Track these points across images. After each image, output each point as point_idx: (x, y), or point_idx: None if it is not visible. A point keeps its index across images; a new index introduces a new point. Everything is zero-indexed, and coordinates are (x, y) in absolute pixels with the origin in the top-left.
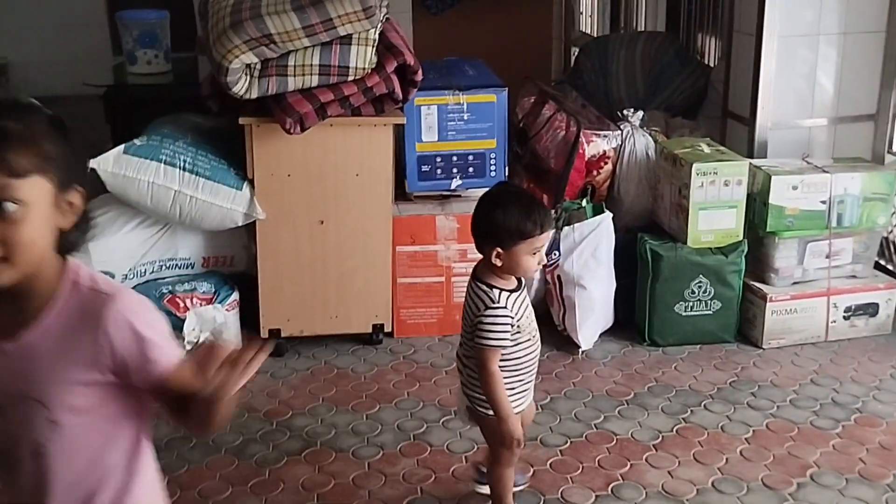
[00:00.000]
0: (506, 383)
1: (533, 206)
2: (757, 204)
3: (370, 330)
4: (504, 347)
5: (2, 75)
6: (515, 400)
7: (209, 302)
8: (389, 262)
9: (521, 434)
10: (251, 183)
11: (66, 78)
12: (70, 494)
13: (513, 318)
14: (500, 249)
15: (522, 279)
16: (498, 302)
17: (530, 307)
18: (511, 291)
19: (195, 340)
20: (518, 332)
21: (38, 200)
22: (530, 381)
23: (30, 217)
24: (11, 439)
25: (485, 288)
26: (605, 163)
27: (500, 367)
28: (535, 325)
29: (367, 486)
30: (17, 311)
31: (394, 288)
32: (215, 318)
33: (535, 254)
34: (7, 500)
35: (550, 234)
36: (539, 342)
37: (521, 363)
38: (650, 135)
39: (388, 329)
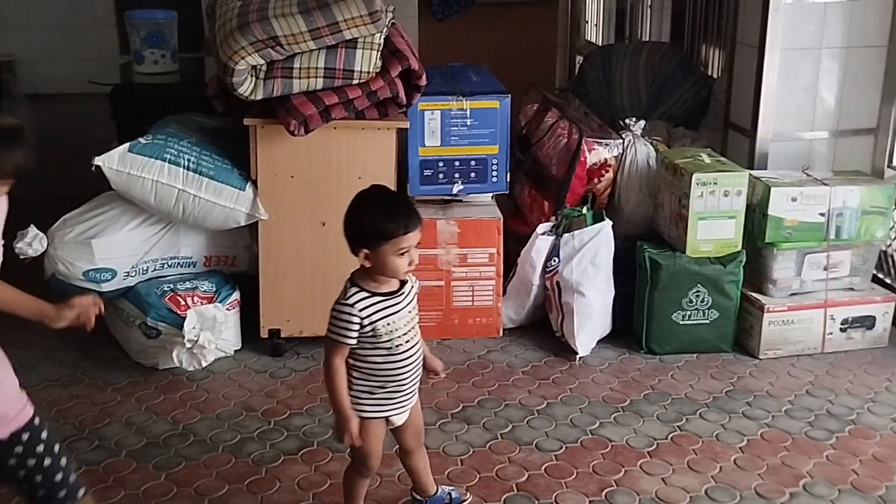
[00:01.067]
0: (363, 387)
1: (397, 206)
2: (756, 215)
3: None
4: (346, 345)
5: (9, 71)
6: (378, 407)
7: (210, 301)
8: None
9: (352, 435)
10: (254, 183)
11: (73, 75)
12: None
13: (360, 319)
14: (366, 250)
15: (408, 284)
16: (347, 299)
17: (408, 317)
18: (381, 295)
19: (195, 339)
20: (374, 337)
21: None
22: (401, 394)
23: None
24: None
25: (347, 285)
26: (607, 171)
27: (354, 367)
28: (410, 337)
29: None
30: None
31: None
32: (216, 317)
33: (402, 254)
34: None
35: (417, 235)
36: (415, 357)
37: (381, 370)
38: (652, 144)
39: None
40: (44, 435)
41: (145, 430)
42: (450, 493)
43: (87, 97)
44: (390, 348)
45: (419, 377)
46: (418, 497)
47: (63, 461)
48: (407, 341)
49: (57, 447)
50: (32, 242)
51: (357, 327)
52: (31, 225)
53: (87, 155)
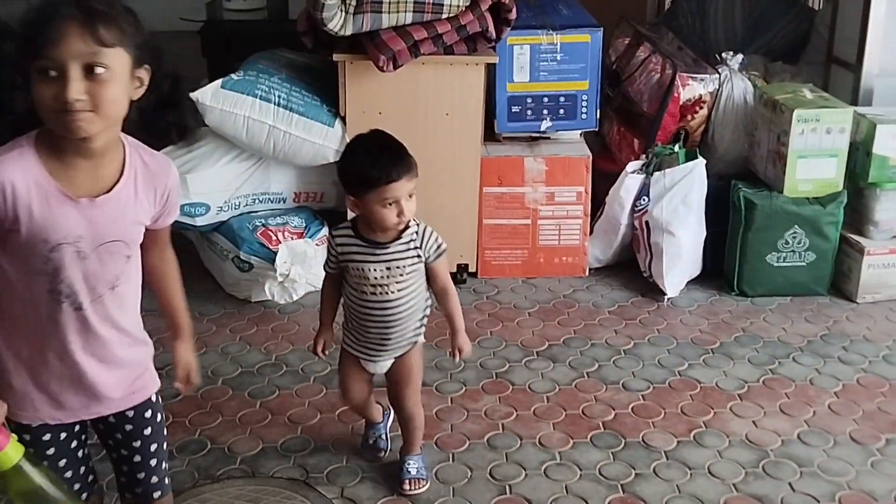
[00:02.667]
0: (346, 315)
1: (385, 152)
2: (859, 153)
3: (455, 269)
4: (327, 270)
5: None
6: (350, 343)
7: (300, 236)
8: (476, 202)
9: (314, 346)
10: (343, 120)
11: (163, 13)
12: (120, 320)
13: (335, 252)
14: (352, 198)
15: (406, 242)
16: (334, 229)
17: (385, 272)
18: (363, 240)
19: (286, 273)
20: (347, 274)
21: (119, 68)
22: (366, 341)
23: (113, 80)
24: (95, 280)
25: (343, 222)
26: (701, 107)
27: (344, 294)
28: (384, 291)
29: (450, 419)
30: (99, 170)
31: (479, 228)
32: (306, 252)
33: (388, 205)
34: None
35: (404, 185)
36: (385, 312)
37: (351, 307)
38: (749, 79)
39: (472, 269)
40: None
41: (240, 360)
42: (379, 437)
43: (178, 34)
44: (358, 291)
45: (397, 335)
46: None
47: None
48: (375, 293)
49: None
50: None
51: (334, 259)
52: None
53: (184, 91)
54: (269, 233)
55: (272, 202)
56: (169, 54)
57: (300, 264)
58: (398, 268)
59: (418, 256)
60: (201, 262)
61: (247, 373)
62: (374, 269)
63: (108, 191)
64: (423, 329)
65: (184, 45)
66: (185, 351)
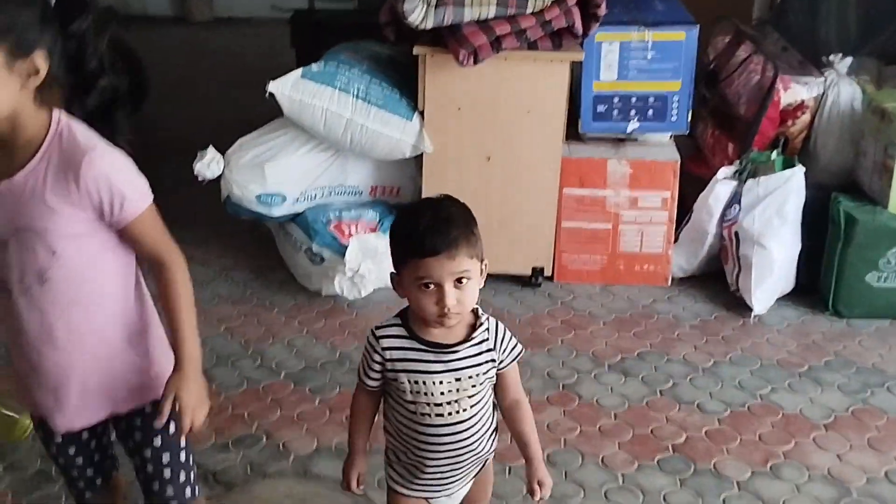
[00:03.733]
0: (390, 443)
1: (430, 221)
2: None
3: (529, 272)
4: (365, 384)
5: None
6: (403, 478)
7: (373, 230)
8: (555, 203)
9: (348, 483)
10: (421, 114)
11: (261, 1)
12: (71, 319)
13: (381, 358)
14: (394, 272)
15: (478, 344)
16: (377, 328)
17: (452, 386)
18: (420, 342)
19: (356, 268)
20: (398, 389)
21: None
22: (428, 477)
23: None
24: (20, 269)
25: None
26: (803, 112)
27: (387, 415)
28: (451, 412)
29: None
30: (7, 156)
31: (557, 231)
32: (377, 247)
33: (426, 287)
34: (13, 332)
35: (448, 264)
36: (452, 443)
37: (405, 433)
38: (858, 84)
39: (548, 273)
40: None
41: (305, 354)
42: None
43: (273, 22)
44: (415, 413)
45: (473, 459)
46: None
47: None
48: (440, 415)
49: None
50: (210, 164)
51: (379, 367)
52: (210, 146)
53: (267, 80)
54: (343, 226)
55: (348, 195)
56: (260, 40)
57: (371, 259)
58: (470, 377)
59: (493, 360)
60: (278, 252)
61: (310, 367)
62: (441, 385)
63: (12, 176)
64: (497, 436)
65: (274, 34)
66: (176, 386)
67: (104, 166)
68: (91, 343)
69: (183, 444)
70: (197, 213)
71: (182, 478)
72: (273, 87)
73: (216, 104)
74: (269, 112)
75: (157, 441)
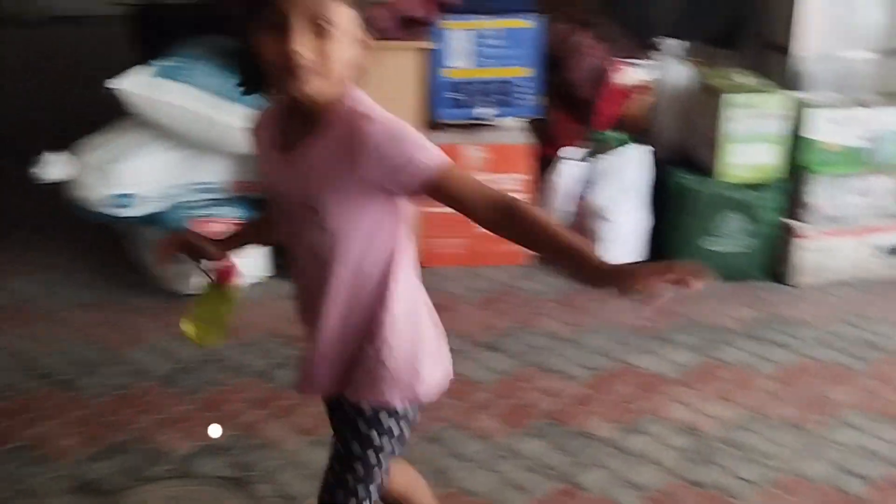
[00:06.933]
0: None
1: None
2: (794, 139)
3: None
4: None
5: None
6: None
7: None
8: None
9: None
10: None
11: None
12: (339, 295)
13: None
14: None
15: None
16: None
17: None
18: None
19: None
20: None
21: (346, 26)
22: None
23: (340, 38)
24: (297, 240)
25: None
26: (642, 94)
27: None
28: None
29: None
30: (304, 127)
31: (420, 217)
32: None
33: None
34: (296, 295)
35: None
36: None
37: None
38: (688, 65)
39: None
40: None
41: (172, 355)
42: None
43: (106, 19)
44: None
45: None
46: None
47: None
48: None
49: None
50: (58, 165)
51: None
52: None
53: (107, 78)
54: (204, 224)
55: (206, 192)
56: (99, 40)
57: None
58: None
59: None
60: (125, 253)
61: (179, 369)
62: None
63: (297, 149)
64: None
65: (113, 31)
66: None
67: (384, 131)
68: (338, 325)
69: (371, 451)
70: (35, 215)
71: (345, 479)
72: (119, 83)
73: (50, 104)
74: (108, 110)
75: (346, 432)
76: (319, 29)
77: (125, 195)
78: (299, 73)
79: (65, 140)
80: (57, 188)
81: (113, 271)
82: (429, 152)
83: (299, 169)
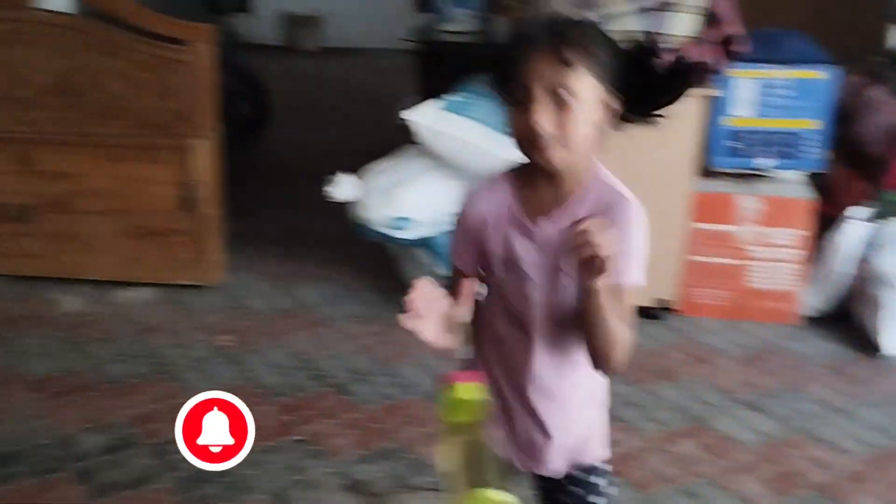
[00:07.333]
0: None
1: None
2: None
3: (653, 304)
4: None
5: (316, 27)
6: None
7: None
8: (683, 237)
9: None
10: None
11: (376, 31)
12: (576, 365)
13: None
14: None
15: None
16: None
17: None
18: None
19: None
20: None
21: (587, 94)
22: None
23: (580, 107)
24: (529, 305)
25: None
26: None
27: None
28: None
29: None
30: (553, 194)
31: (685, 265)
32: None
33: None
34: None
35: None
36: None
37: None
38: None
39: (673, 306)
40: None
41: (437, 373)
42: None
43: (391, 52)
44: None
45: None
46: None
47: None
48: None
49: None
50: (346, 187)
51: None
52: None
53: (393, 109)
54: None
55: None
56: (383, 72)
57: None
58: None
59: None
60: (401, 274)
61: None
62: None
63: (550, 216)
64: None
65: (398, 64)
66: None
67: (636, 217)
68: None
69: None
70: (322, 233)
71: None
72: (412, 115)
73: (332, 130)
74: (387, 138)
75: None
76: (560, 100)
77: (403, 218)
78: (541, 143)
79: (346, 164)
80: (343, 208)
81: (386, 289)
82: (642, 261)
83: (550, 236)
